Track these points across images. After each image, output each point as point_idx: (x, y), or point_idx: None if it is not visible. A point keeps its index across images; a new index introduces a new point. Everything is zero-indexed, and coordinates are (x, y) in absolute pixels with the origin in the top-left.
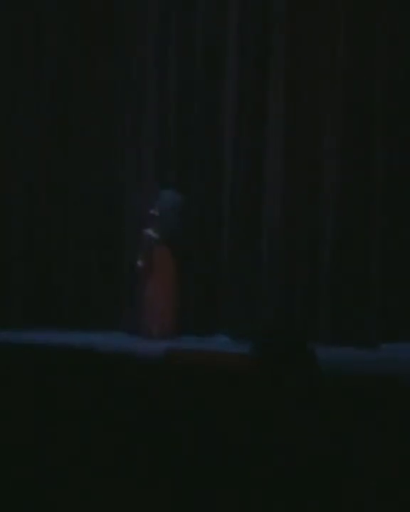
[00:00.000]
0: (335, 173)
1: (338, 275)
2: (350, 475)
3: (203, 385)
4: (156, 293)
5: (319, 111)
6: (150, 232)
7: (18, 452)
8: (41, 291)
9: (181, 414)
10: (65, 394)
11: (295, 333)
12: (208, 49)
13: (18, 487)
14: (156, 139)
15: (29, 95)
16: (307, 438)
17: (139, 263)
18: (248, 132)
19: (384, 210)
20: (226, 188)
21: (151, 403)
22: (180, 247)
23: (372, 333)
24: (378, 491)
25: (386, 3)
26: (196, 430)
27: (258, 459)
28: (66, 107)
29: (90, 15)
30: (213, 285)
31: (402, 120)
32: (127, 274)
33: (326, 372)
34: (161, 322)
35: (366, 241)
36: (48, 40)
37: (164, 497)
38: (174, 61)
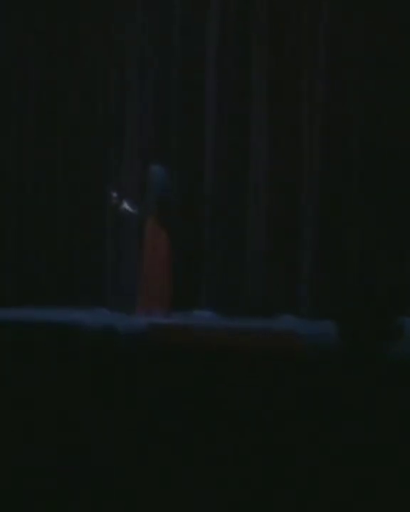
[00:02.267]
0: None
1: (321, 253)
2: None
3: (189, 360)
4: (149, 269)
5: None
6: (129, 207)
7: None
8: (26, 269)
9: (165, 389)
10: (53, 370)
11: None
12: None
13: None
14: (141, 118)
15: (16, 77)
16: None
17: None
18: (231, 108)
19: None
20: (210, 164)
21: (136, 377)
22: (169, 222)
23: None
24: None
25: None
26: (182, 402)
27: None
28: (52, 92)
29: None
30: (196, 260)
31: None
32: (110, 252)
33: None
34: (154, 298)
35: (351, 224)
36: (34, 21)
37: (153, 466)
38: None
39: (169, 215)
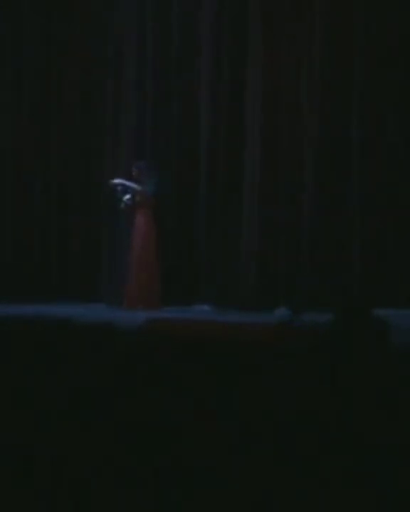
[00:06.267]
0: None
1: (319, 244)
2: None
3: (184, 354)
4: (137, 262)
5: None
6: (126, 200)
7: None
8: (21, 264)
9: (162, 383)
10: (49, 366)
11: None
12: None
13: None
14: (135, 107)
15: (10, 68)
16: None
17: (120, 231)
18: (226, 92)
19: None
20: (204, 161)
21: (131, 372)
22: (159, 214)
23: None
24: None
25: None
26: (177, 398)
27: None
28: (48, 84)
29: None
30: (193, 255)
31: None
32: (105, 246)
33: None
34: (143, 292)
35: (344, 212)
36: (29, 9)
37: (144, 464)
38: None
39: (160, 210)
